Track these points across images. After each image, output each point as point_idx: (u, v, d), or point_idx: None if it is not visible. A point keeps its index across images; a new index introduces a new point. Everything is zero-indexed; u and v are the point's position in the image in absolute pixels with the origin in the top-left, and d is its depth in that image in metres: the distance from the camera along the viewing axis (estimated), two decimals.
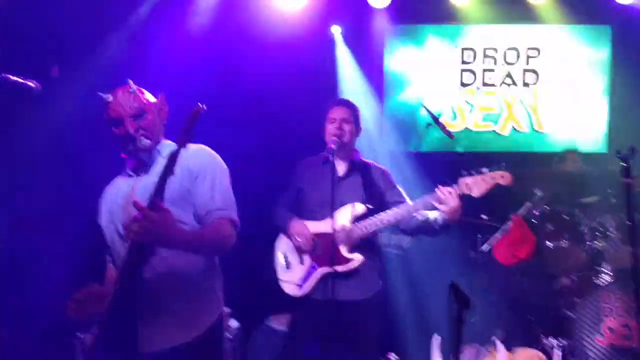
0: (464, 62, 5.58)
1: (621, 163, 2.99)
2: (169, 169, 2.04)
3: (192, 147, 2.29)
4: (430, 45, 5.58)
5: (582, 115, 5.47)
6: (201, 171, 2.32)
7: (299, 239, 3.21)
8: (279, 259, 3.32)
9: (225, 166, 2.42)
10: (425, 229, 3.19)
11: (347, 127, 3.26)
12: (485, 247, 4.29)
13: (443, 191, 3.01)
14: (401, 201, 3.23)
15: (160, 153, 2.38)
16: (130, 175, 2.42)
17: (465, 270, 4.43)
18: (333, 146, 3.17)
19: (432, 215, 3.14)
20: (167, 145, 2.39)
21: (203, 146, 2.42)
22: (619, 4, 5.12)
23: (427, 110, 3.65)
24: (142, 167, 2.39)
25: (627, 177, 2.97)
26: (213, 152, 2.43)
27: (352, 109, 3.34)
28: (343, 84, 5.38)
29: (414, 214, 3.15)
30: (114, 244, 2.38)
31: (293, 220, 3.27)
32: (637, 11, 5.11)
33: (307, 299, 3.21)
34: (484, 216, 4.42)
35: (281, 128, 4.99)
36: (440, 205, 3.02)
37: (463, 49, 5.57)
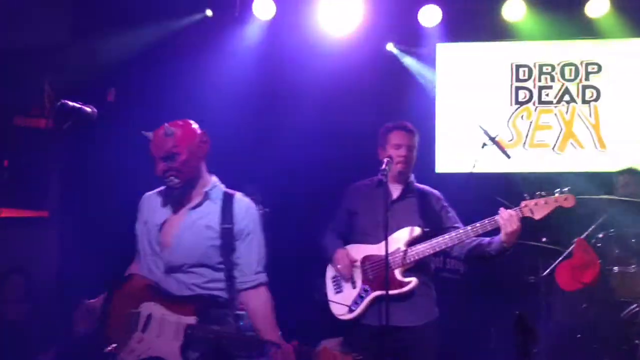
0: (518, 80, 5.43)
1: None
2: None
3: (241, 200, 2.53)
4: (483, 62, 5.46)
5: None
6: (252, 230, 2.50)
7: (339, 266, 3.17)
8: (329, 282, 3.26)
9: None
10: (479, 254, 3.08)
11: (412, 154, 3.21)
12: (546, 272, 4.11)
13: (504, 215, 2.92)
14: (456, 226, 3.14)
15: (209, 196, 2.51)
16: (164, 204, 2.55)
17: (525, 297, 4.26)
18: (385, 167, 3.08)
19: (487, 239, 3.03)
20: (216, 189, 2.55)
21: (249, 201, 2.56)
22: None
23: (483, 130, 3.56)
24: (175, 203, 2.52)
25: None
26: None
27: (414, 135, 3.28)
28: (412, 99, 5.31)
29: (470, 239, 3.04)
30: (144, 253, 2.54)
31: (338, 248, 3.22)
32: None
33: (360, 324, 3.13)
34: (544, 239, 4.24)
35: (341, 150, 4.98)
36: (501, 229, 2.92)
37: (518, 66, 5.42)
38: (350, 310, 3.14)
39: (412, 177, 3.31)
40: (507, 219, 2.90)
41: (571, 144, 5.34)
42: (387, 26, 5.26)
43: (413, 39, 5.36)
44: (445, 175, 5.20)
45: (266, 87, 5.02)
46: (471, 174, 4.85)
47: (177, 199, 2.51)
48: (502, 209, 2.96)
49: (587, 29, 5.22)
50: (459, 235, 3.03)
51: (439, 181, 3.53)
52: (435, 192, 3.33)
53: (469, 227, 3.04)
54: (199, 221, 2.46)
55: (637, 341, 3.76)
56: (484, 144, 3.51)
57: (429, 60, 5.44)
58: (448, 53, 5.50)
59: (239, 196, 2.53)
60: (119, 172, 4.29)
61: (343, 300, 3.18)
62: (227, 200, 2.48)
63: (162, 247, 2.46)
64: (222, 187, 2.57)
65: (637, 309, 3.97)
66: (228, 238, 2.44)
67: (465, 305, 4.35)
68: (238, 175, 2.89)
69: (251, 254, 2.48)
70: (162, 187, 2.59)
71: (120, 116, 4.30)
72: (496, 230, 2.98)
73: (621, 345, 3.90)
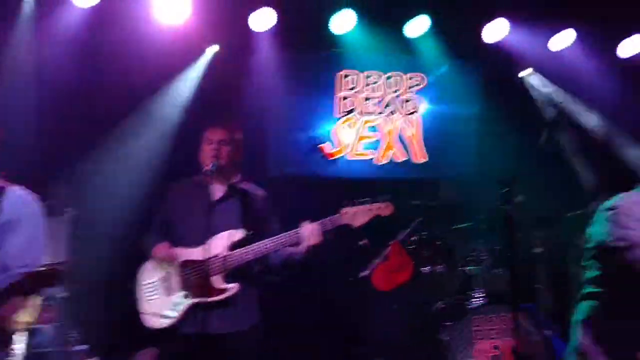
0: (344, 89, 5.62)
1: (502, 190, 3.06)
2: None
3: (14, 192, 2.47)
4: (312, 71, 5.57)
5: (456, 144, 5.70)
6: (22, 223, 2.43)
7: (159, 255, 3.00)
8: (143, 289, 3.05)
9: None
10: (291, 263, 3.11)
11: (225, 149, 3.11)
12: (364, 273, 4.29)
13: (307, 228, 2.96)
14: (278, 229, 3.11)
15: None
16: None
17: (346, 299, 4.40)
18: (209, 168, 3.00)
19: (290, 251, 3.07)
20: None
21: (25, 194, 2.50)
22: (487, 43, 5.43)
23: (310, 136, 3.61)
24: None
25: (507, 204, 3.04)
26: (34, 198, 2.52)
27: (230, 130, 3.19)
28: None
29: (280, 249, 3.05)
30: None
31: (159, 244, 3.04)
32: (505, 48, 5.46)
33: (176, 333, 2.97)
34: (363, 242, 4.42)
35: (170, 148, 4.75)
36: (303, 242, 2.96)
37: (344, 76, 5.61)
38: (166, 319, 2.97)
39: (237, 178, 3.24)
40: (309, 232, 2.95)
41: (393, 154, 5.65)
42: (217, 26, 5.12)
43: (244, 41, 5.28)
44: (276, 178, 5.20)
45: (82, 79, 4.60)
46: (301, 178, 4.94)
47: None
48: (304, 222, 2.99)
49: (410, 44, 5.55)
50: (275, 242, 2.99)
51: (270, 184, 3.47)
52: (262, 193, 3.28)
53: (278, 237, 3.01)
54: None
55: (441, 337, 4.05)
56: (310, 149, 3.55)
57: (261, 65, 5.41)
58: (279, 58, 5.53)
59: (13, 189, 2.49)
60: None
61: (159, 308, 2.99)
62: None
63: None
64: None
65: (444, 306, 4.31)
66: None
67: (288, 308, 4.38)
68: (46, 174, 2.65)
69: (15, 246, 2.40)
70: None
71: None
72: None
73: (429, 341, 4.19)
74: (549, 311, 4.53)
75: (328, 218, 3.01)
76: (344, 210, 3.00)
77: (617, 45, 5.55)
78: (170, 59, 4.78)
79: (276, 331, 4.06)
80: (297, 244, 3.01)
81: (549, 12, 5.18)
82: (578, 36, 5.44)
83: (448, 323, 4.06)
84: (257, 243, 3.00)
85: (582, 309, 2.35)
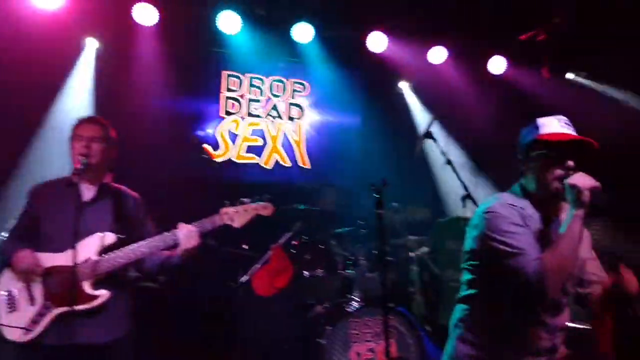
0: (229, 90, 5.54)
1: (374, 195, 3.17)
2: None
3: None
4: (197, 70, 5.43)
5: (338, 151, 5.83)
6: None
7: (22, 265, 2.73)
8: (2, 300, 2.78)
9: None
10: (167, 267, 2.99)
11: (96, 147, 2.92)
12: (244, 278, 4.23)
13: (183, 230, 2.86)
14: (154, 232, 2.97)
15: None
16: None
17: (227, 303, 4.32)
18: (78, 166, 2.80)
19: (167, 255, 2.96)
20: None
21: None
22: (371, 51, 5.61)
23: (193, 135, 3.50)
24: None
25: (379, 209, 3.15)
26: None
27: (103, 127, 3.00)
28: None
29: (156, 253, 2.92)
30: None
31: (19, 250, 2.78)
32: (386, 60, 5.67)
33: (39, 345, 2.74)
34: (245, 246, 4.37)
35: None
36: (180, 244, 2.85)
37: (229, 76, 5.53)
38: (28, 332, 2.72)
39: (109, 178, 3.05)
40: (186, 234, 2.85)
41: (276, 158, 5.65)
42: (97, 16, 4.84)
43: (125, 34, 5.04)
44: (154, 178, 4.98)
45: None
46: (181, 179, 4.78)
47: None
48: (181, 224, 2.89)
49: (296, 50, 5.60)
50: (149, 246, 2.85)
51: (147, 184, 3.30)
52: (135, 194, 3.12)
53: (152, 240, 2.87)
54: None
55: (320, 340, 4.08)
56: (195, 149, 3.45)
57: (144, 60, 5.18)
58: (164, 54, 5.32)
59: None
60: None
61: (19, 320, 2.73)
62: None
63: None
64: None
65: (322, 310, 4.36)
66: None
67: (164, 315, 4.22)
68: None
69: None
70: None
71: None
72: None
73: (308, 345, 4.21)
74: (422, 313, 4.74)
75: (207, 219, 2.93)
76: (224, 210, 2.93)
77: (487, 62, 5.99)
78: (46, 46, 4.44)
79: (151, 339, 3.90)
80: (174, 247, 2.90)
81: (423, 27, 5.46)
82: (452, 52, 5.80)
83: (327, 327, 4.10)
84: (130, 246, 2.84)
85: (458, 311, 2.37)
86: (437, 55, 5.83)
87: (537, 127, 2.26)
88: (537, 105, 5.87)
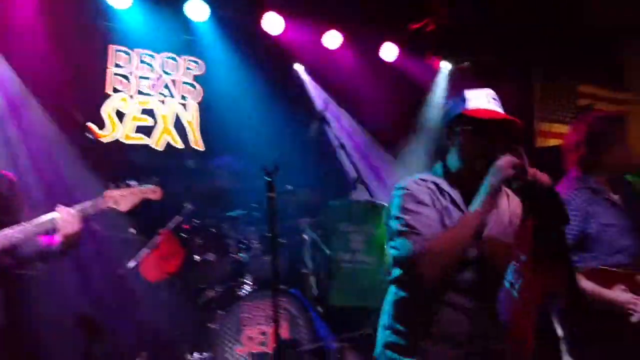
0: (117, 66, 5.24)
1: (266, 178, 3.16)
2: None
3: None
4: (82, 42, 5.08)
5: (232, 132, 5.71)
6: None
7: None
8: None
9: None
10: (47, 255, 2.79)
11: None
12: (132, 264, 4.07)
13: (63, 215, 2.68)
14: (30, 216, 2.76)
15: None
16: None
17: (113, 289, 4.14)
18: None
19: (46, 241, 2.77)
20: None
21: None
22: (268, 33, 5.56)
23: (77, 112, 3.29)
24: None
25: (270, 192, 3.16)
26: None
27: None
28: None
29: (34, 239, 2.72)
30: None
31: None
32: (282, 41, 5.65)
33: None
34: (132, 230, 4.20)
35: None
36: (59, 230, 2.67)
37: (116, 51, 5.23)
38: None
39: None
40: (65, 218, 2.67)
41: (168, 139, 5.43)
42: None
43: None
44: (31, 158, 4.62)
45: None
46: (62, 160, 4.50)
47: None
48: (60, 207, 2.71)
49: (189, 27, 5.40)
50: (25, 231, 2.65)
51: (25, 165, 3.06)
52: (10, 175, 2.86)
53: (28, 225, 2.67)
54: None
55: (211, 325, 4.03)
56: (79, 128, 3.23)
57: (22, 28, 4.76)
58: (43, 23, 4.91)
59: None
60: None
61: None
62: None
63: None
64: None
65: (213, 294, 4.30)
66: None
67: (43, 305, 3.97)
68: None
69: None
70: None
71: None
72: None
73: (198, 330, 4.15)
74: (314, 295, 4.81)
75: (89, 201, 2.77)
76: (108, 192, 2.79)
77: (379, 49, 6.15)
78: None
79: (29, 332, 3.66)
80: (53, 232, 2.71)
81: (319, 11, 5.49)
82: (346, 37, 5.89)
83: (219, 311, 4.06)
84: (2, 232, 2.63)
85: (388, 294, 2.25)
86: (333, 39, 5.90)
87: (464, 100, 2.17)
88: (426, 93, 6.13)
